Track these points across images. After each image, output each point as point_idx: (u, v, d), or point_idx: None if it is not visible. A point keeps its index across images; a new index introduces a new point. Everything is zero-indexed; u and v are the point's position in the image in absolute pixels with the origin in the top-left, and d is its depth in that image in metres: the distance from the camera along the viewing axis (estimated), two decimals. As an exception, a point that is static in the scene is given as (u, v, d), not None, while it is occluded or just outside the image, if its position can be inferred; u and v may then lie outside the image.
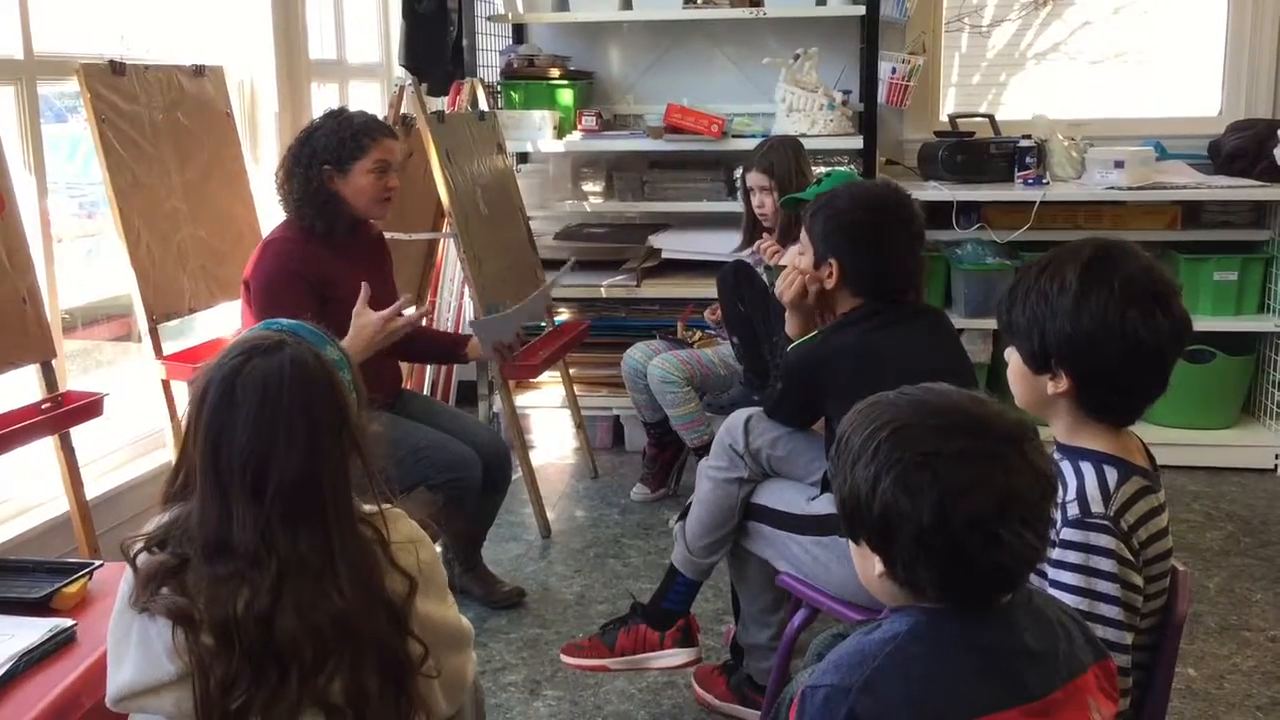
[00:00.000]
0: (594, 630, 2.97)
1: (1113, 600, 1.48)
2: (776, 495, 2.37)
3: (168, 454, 3.14)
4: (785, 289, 2.34)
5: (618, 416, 4.44)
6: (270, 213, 3.76)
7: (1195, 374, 4.13)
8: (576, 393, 4.26)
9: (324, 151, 2.83)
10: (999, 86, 4.88)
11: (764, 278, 3.31)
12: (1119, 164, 4.07)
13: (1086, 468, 1.55)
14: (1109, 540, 1.49)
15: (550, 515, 3.72)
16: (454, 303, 4.77)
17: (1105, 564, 1.49)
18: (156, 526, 1.43)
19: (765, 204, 3.59)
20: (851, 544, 1.29)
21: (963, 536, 1.15)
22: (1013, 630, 1.20)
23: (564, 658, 2.58)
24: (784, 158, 3.59)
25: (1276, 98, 4.47)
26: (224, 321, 3.48)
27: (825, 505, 2.27)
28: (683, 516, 2.52)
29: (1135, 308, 1.56)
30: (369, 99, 4.64)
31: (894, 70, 4.29)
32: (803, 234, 2.35)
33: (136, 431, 3.41)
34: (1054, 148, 4.31)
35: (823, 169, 4.13)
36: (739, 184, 4.25)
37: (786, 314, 2.39)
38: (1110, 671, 1.29)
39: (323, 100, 4.24)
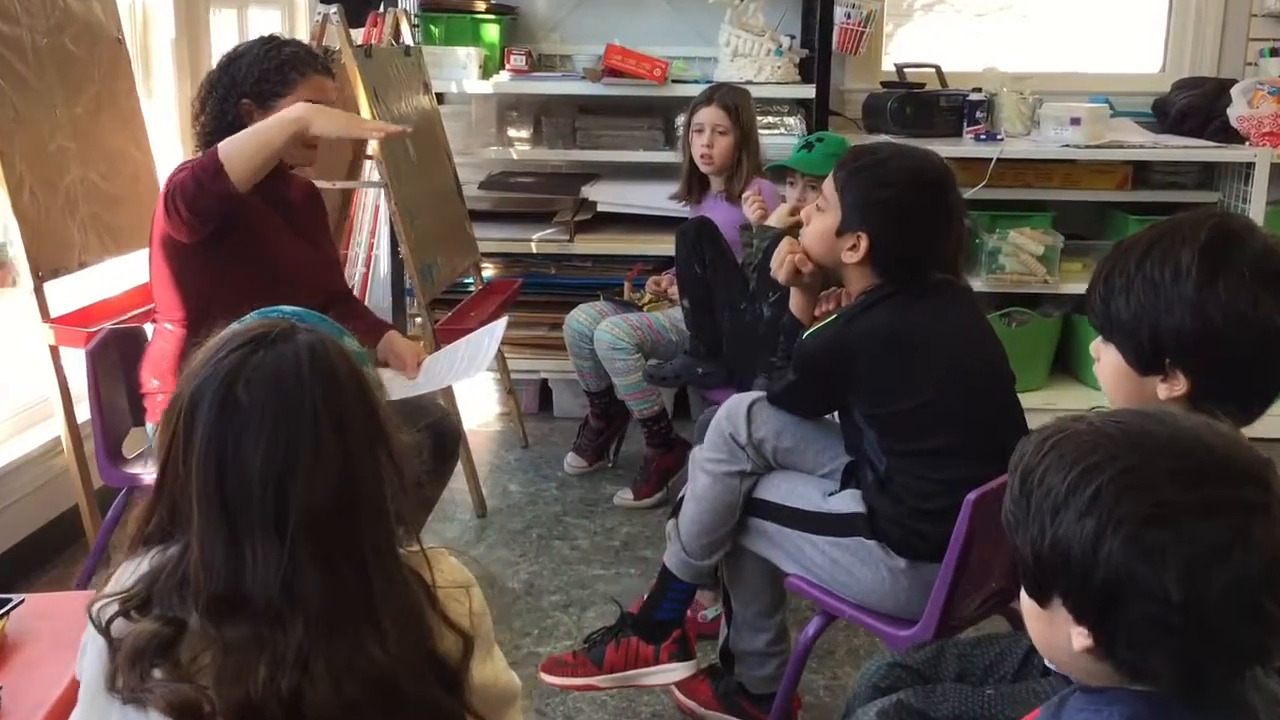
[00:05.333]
0: (548, 625, 2.74)
1: None
2: (786, 489, 2.12)
3: (56, 427, 2.74)
4: (776, 268, 2.08)
5: (545, 380, 4.15)
6: (168, 153, 3.35)
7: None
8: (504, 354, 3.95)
9: (244, 82, 2.45)
10: (901, 36, 4.71)
11: (740, 237, 3.04)
12: (1075, 121, 3.91)
13: None
14: None
15: (484, 490, 3.42)
16: (363, 254, 4.40)
17: None
18: (135, 580, 1.10)
19: (715, 145, 3.30)
20: (1029, 603, 1.05)
21: (1217, 611, 0.92)
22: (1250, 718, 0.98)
23: (546, 677, 2.30)
24: (745, 102, 3.33)
25: (1222, 55, 4.37)
26: (117, 279, 3.06)
27: (846, 503, 2.04)
28: (675, 513, 2.26)
29: (1268, 293, 1.36)
30: (269, 26, 4.19)
31: (848, 15, 4.04)
32: (827, 188, 2.08)
33: (15, 403, 3.00)
34: (1004, 102, 4.13)
35: (796, 128, 3.90)
36: (680, 131, 3.98)
37: (792, 291, 2.14)
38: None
39: (220, 28, 3.80)
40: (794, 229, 2.77)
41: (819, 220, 2.08)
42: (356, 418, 1.11)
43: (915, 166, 2.05)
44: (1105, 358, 1.48)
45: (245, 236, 2.43)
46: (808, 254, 2.10)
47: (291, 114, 2.31)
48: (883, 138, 4.02)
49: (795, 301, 2.17)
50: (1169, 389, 1.40)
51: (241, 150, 2.27)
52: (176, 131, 3.46)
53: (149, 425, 2.53)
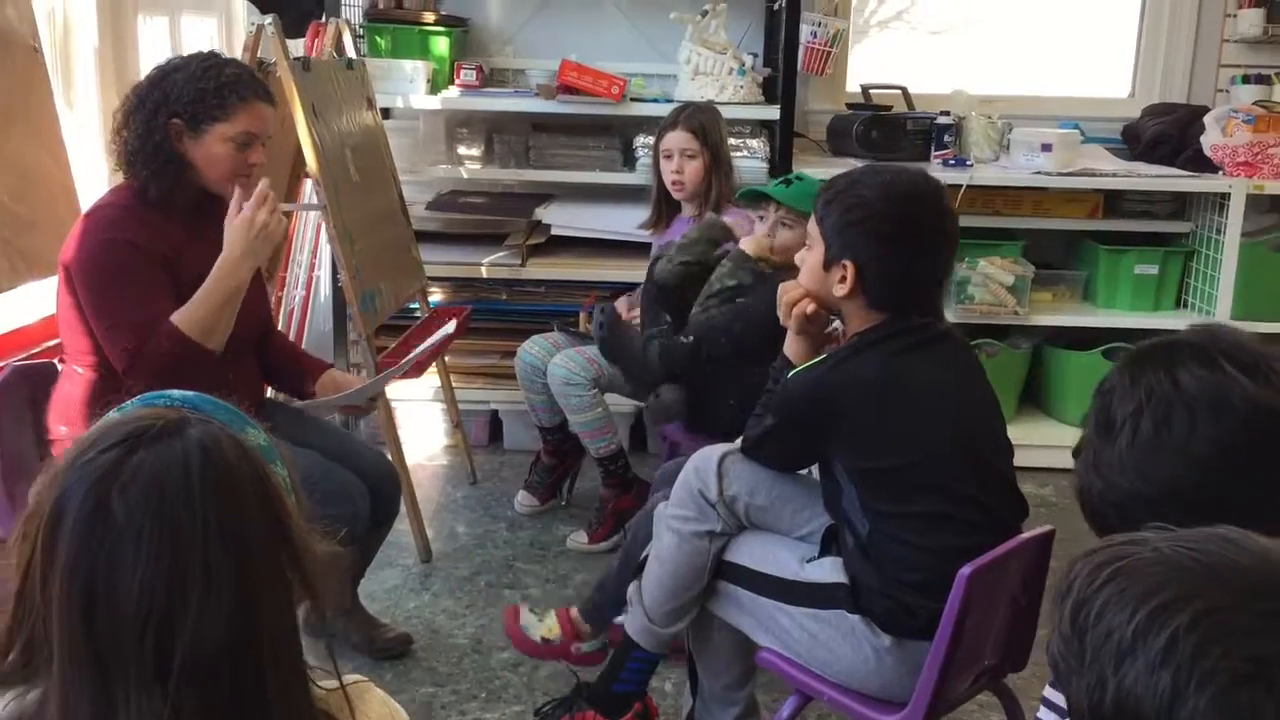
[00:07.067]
0: (497, 685, 2.54)
1: None
2: (760, 553, 1.94)
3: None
4: (784, 315, 1.91)
5: (495, 411, 3.94)
6: (90, 171, 3.12)
7: (1114, 373, 3.91)
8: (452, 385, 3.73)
9: (177, 101, 2.22)
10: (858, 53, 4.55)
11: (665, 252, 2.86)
12: (1047, 147, 3.78)
13: None
14: None
15: (429, 533, 3.21)
16: (303, 277, 4.17)
17: None
18: None
19: (685, 170, 3.13)
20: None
21: None
22: None
23: (493, 758, 2.11)
24: (713, 122, 3.16)
25: (1193, 81, 4.27)
26: (27, 306, 2.82)
27: (827, 571, 1.87)
28: (637, 575, 2.07)
29: None
30: (203, 34, 3.96)
31: (814, 34, 3.89)
32: (810, 226, 1.92)
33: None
34: (972, 126, 4.00)
35: (760, 151, 3.75)
36: (639, 153, 3.81)
37: (788, 336, 1.96)
38: None
39: (149, 36, 3.56)
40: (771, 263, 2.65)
41: (809, 257, 1.92)
42: (259, 534, 0.92)
43: (887, 181, 1.91)
44: None
45: (180, 273, 2.24)
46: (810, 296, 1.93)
47: (231, 261, 2.18)
48: (850, 162, 3.87)
49: (792, 347, 2.00)
50: None
51: (213, 318, 2.17)
52: (100, 146, 3.22)
53: (57, 474, 2.30)
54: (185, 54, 2.34)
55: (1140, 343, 1.30)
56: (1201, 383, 1.19)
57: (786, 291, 1.94)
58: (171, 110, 2.22)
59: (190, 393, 1.03)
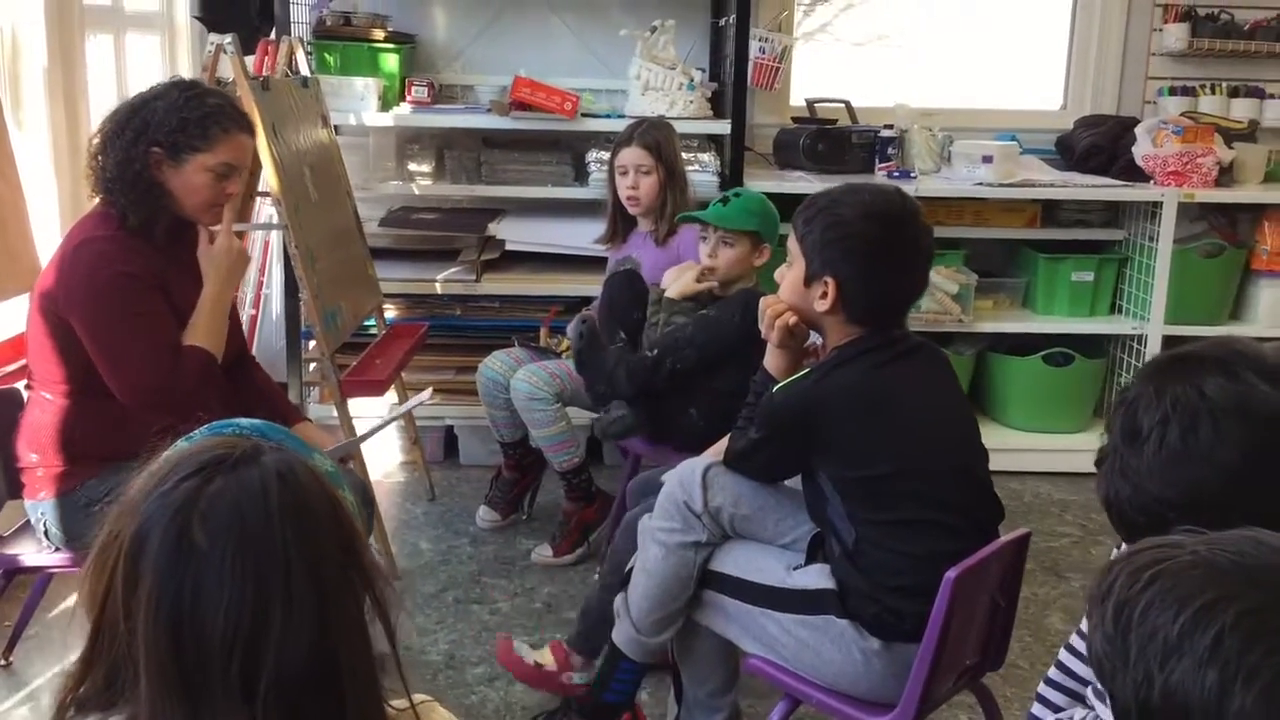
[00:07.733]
0: (474, 701, 2.55)
1: None
2: (745, 562, 1.99)
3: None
4: (767, 328, 1.96)
5: (451, 427, 3.95)
6: (42, 191, 3.07)
7: (1054, 377, 4.04)
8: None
9: (158, 129, 2.20)
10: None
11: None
12: (987, 159, 3.89)
13: None
14: None
15: (392, 549, 3.20)
16: (251, 295, 4.14)
17: None
18: None
19: (640, 186, 3.17)
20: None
21: None
22: None
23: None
24: (668, 138, 3.21)
25: (1122, 94, 4.42)
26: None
27: (814, 578, 1.92)
28: (623, 585, 2.10)
29: None
30: (148, 52, 3.92)
31: (762, 50, 3.96)
32: (790, 243, 1.97)
33: None
34: (914, 139, 4.10)
35: (710, 165, 3.79)
36: (592, 168, 3.85)
37: (768, 350, 2.01)
38: None
39: (95, 54, 3.51)
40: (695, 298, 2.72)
41: (789, 274, 1.98)
42: (335, 557, 0.94)
43: (867, 201, 1.96)
44: None
45: (174, 304, 2.28)
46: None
47: (220, 284, 2.31)
48: (797, 175, 3.95)
49: (773, 361, 2.05)
50: None
51: (216, 339, 2.29)
52: (50, 165, 3.17)
53: (27, 501, 2.27)
54: (165, 81, 2.31)
55: (1159, 355, 1.38)
56: (1226, 392, 1.26)
57: (769, 305, 1.99)
58: (152, 139, 2.20)
59: (259, 421, 1.05)
